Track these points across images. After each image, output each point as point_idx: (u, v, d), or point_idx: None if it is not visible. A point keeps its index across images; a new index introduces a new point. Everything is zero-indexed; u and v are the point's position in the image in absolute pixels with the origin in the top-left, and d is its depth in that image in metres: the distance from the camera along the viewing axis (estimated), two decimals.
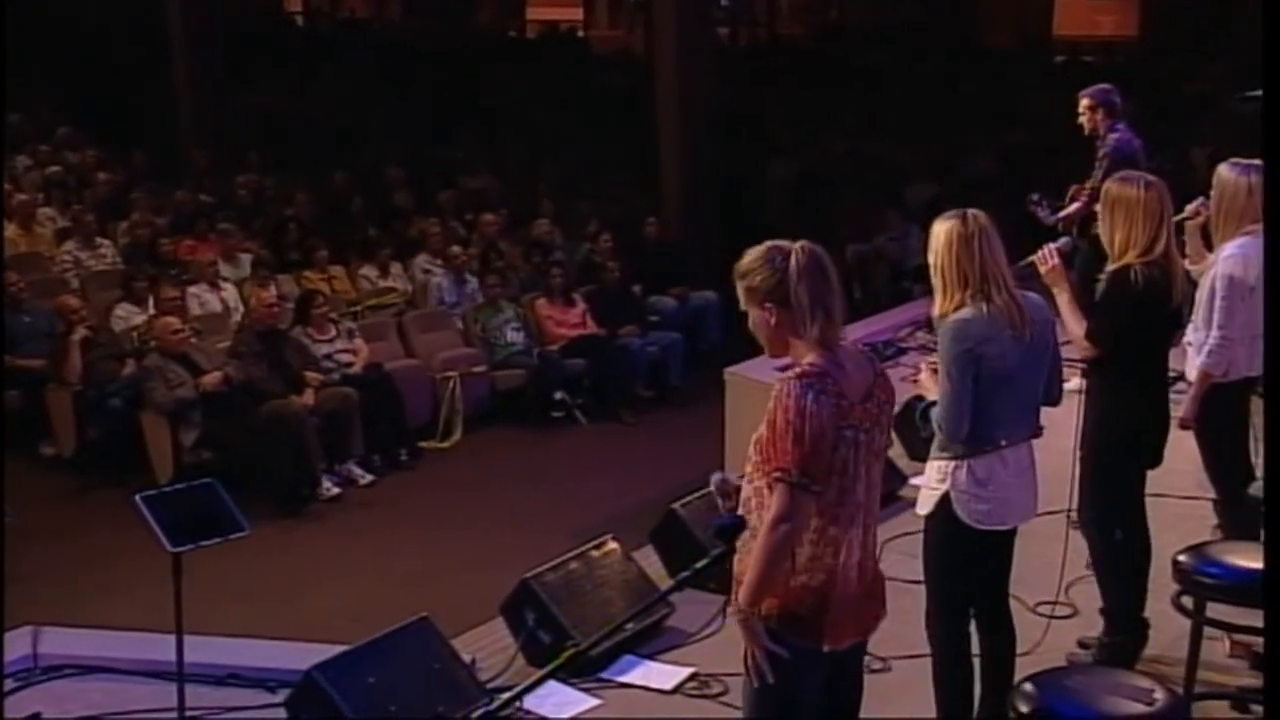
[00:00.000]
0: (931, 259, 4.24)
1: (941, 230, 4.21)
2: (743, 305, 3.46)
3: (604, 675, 5.28)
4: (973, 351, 4.13)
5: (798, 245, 3.38)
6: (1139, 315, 4.77)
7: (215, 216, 12.49)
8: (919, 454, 4.95)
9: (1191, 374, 5.45)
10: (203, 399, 8.91)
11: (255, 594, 7.30)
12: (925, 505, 4.34)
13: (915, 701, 4.62)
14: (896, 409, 4.49)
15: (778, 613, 3.34)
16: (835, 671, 3.51)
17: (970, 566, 4.35)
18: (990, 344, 4.15)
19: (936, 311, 4.28)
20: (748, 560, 3.35)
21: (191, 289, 10.54)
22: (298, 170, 15.07)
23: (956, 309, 4.18)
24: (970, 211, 4.24)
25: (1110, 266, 4.85)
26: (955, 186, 14.12)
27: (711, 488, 3.61)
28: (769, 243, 3.44)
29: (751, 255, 3.42)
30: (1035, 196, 8.23)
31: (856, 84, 19.83)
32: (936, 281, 4.23)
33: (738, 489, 3.55)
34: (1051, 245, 4.89)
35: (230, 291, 10.84)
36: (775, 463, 3.25)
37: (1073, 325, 4.85)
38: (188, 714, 4.82)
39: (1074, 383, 5.20)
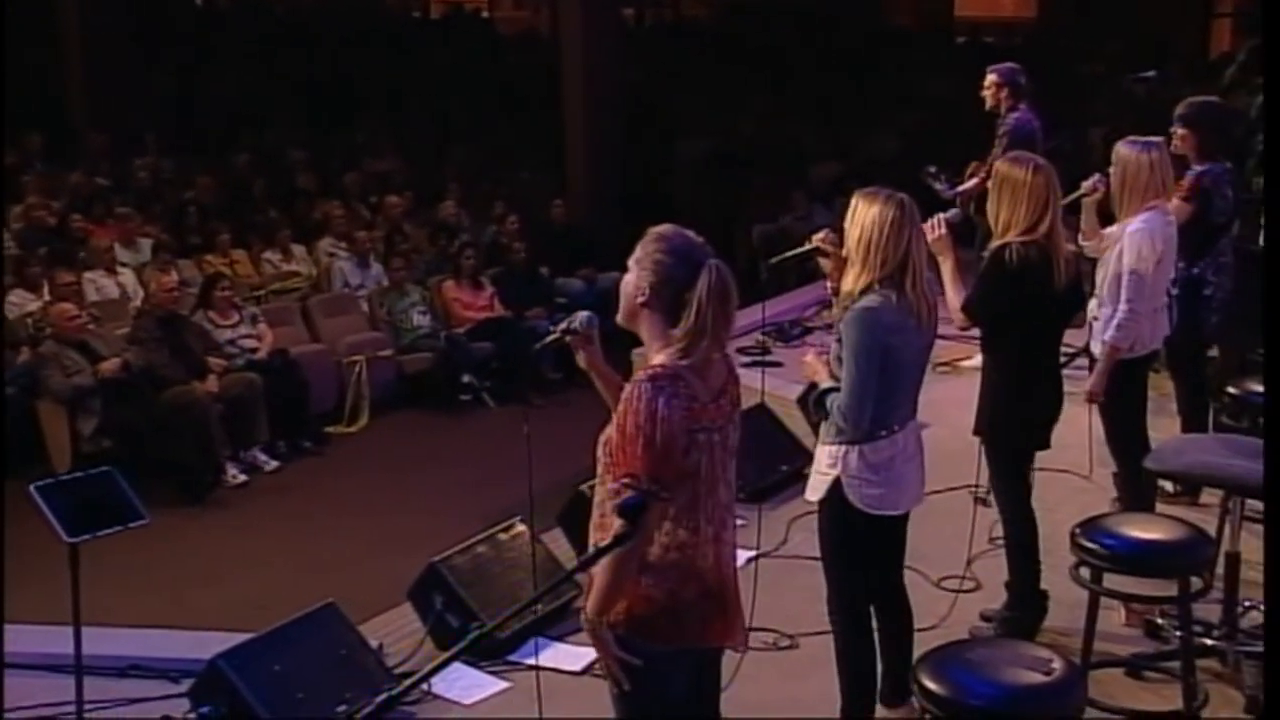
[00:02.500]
0: (855, 233, 4.19)
1: (873, 210, 4.16)
2: (631, 260, 3.32)
3: (512, 658, 5.27)
4: (881, 342, 4.13)
5: (712, 263, 3.23)
6: (1014, 293, 4.80)
7: (112, 200, 12.23)
8: None
9: (1097, 349, 5.55)
10: (101, 386, 8.75)
11: (158, 584, 7.20)
12: (816, 491, 4.32)
13: (822, 677, 4.67)
14: (802, 388, 4.53)
15: (626, 618, 3.23)
16: (699, 669, 3.43)
17: (864, 550, 4.35)
18: (897, 334, 4.16)
19: (846, 286, 4.24)
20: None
21: (88, 274, 10.31)
22: (198, 152, 14.80)
23: (865, 291, 4.17)
24: (903, 196, 4.22)
25: (992, 244, 4.92)
26: (859, 166, 14.26)
27: (577, 324, 3.54)
28: (694, 235, 3.31)
29: (672, 236, 3.28)
30: (932, 169, 8.31)
31: (761, 65, 19.90)
32: (855, 256, 4.19)
33: (589, 338, 3.52)
34: (941, 215, 4.94)
35: (128, 276, 10.62)
36: (624, 469, 3.13)
37: (952, 296, 4.91)
38: (88, 706, 4.74)
39: (975, 360, 5.28)
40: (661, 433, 3.12)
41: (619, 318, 3.39)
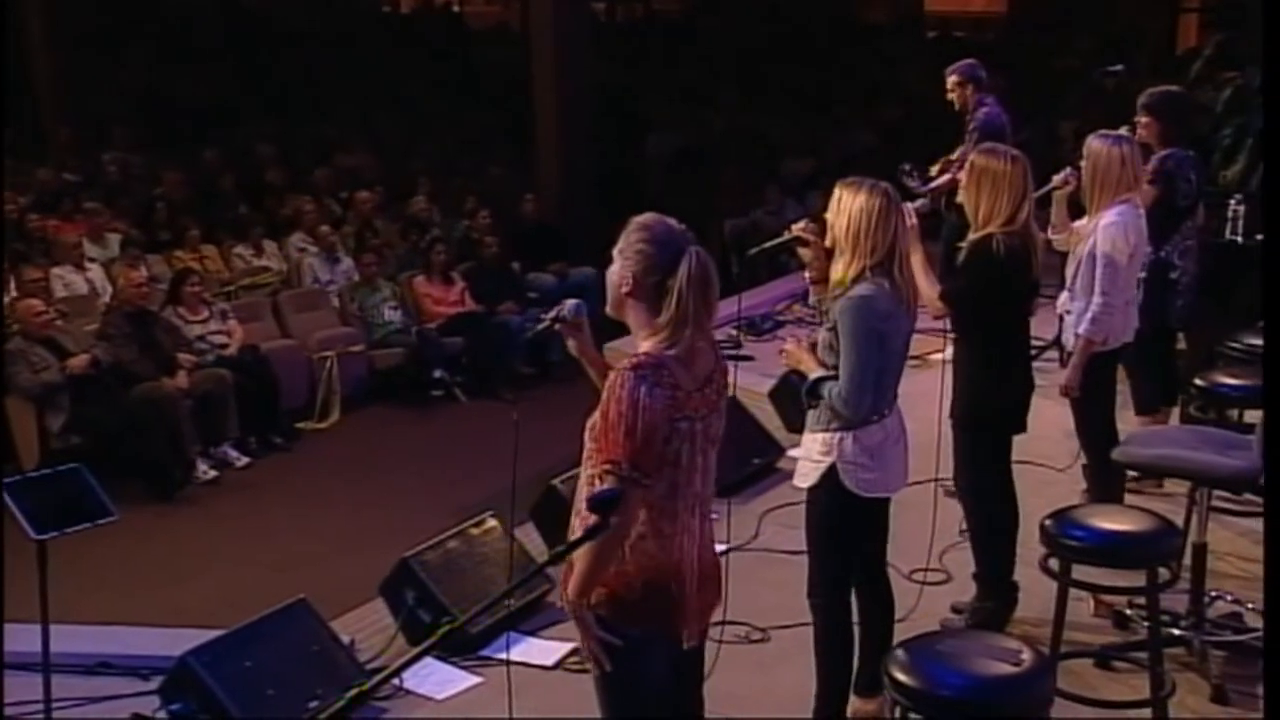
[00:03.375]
0: (843, 222, 4.23)
1: (860, 198, 4.20)
2: (615, 252, 3.35)
3: (485, 653, 5.27)
4: (877, 329, 4.17)
5: (693, 249, 3.26)
6: (999, 283, 4.88)
7: (80, 196, 12.15)
8: (796, 425, 5.00)
9: (1070, 342, 5.57)
10: (70, 383, 8.69)
11: (128, 581, 7.16)
12: (808, 478, 4.35)
13: (794, 670, 4.69)
14: (773, 382, 4.53)
15: (607, 601, 3.28)
16: (678, 658, 3.45)
17: (855, 535, 4.40)
18: (890, 320, 4.21)
19: (836, 275, 4.28)
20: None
21: (55, 270, 10.24)
22: (166, 147, 14.71)
23: (857, 279, 4.21)
24: (886, 185, 4.27)
25: (973, 235, 4.95)
26: (832, 161, 14.29)
27: (566, 313, 3.58)
28: (675, 223, 3.34)
29: (654, 225, 3.31)
30: (906, 167, 8.37)
31: (732, 59, 19.92)
32: (844, 244, 4.23)
33: (578, 325, 3.57)
34: (909, 205, 4.95)
35: (96, 272, 10.55)
36: (606, 455, 3.17)
37: (925, 286, 4.93)
38: (56, 705, 4.70)
39: (945, 353, 5.30)
40: (643, 421, 3.15)
41: (607, 308, 3.42)
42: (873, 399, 4.23)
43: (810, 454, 4.35)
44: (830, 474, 4.29)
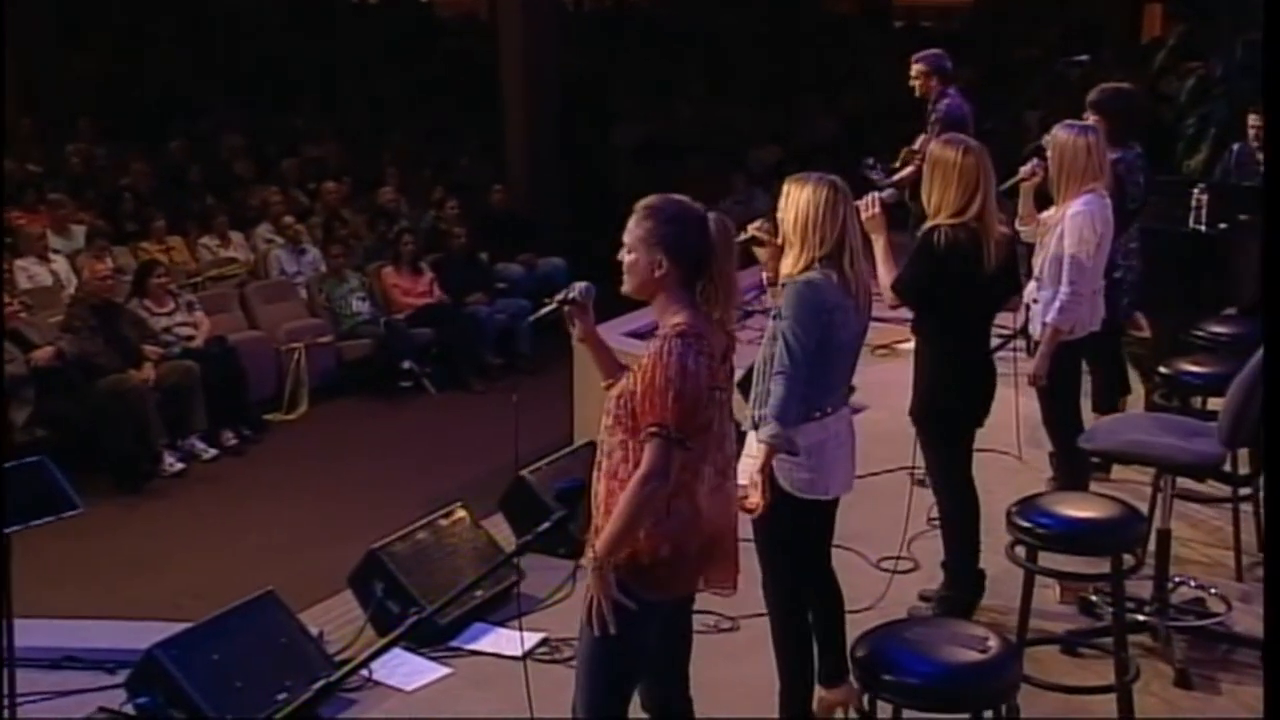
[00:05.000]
0: (790, 216, 4.21)
1: (806, 192, 4.19)
2: (629, 240, 3.42)
3: (454, 643, 5.26)
4: (822, 318, 4.14)
5: (713, 215, 3.43)
6: (942, 275, 4.83)
7: (44, 187, 12.05)
8: None
9: (1036, 331, 5.60)
10: (35, 375, 8.64)
11: (94, 574, 7.13)
12: (746, 475, 4.26)
13: (763, 659, 4.69)
14: (742, 373, 4.51)
15: (628, 564, 3.37)
16: (670, 621, 3.58)
17: (795, 534, 4.35)
18: (837, 312, 4.17)
19: (785, 269, 4.26)
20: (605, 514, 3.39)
21: (19, 262, 10.16)
22: (132, 138, 14.60)
23: (804, 270, 4.18)
24: (834, 178, 4.25)
25: (924, 226, 4.96)
26: (798, 150, 14.33)
27: (575, 294, 3.64)
28: (678, 197, 3.48)
29: (666, 205, 3.43)
30: (869, 161, 8.38)
31: (700, 49, 19.93)
32: (793, 238, 4.21)
33: (585, 308, 3.64)
34: (875, 194, 4.96)
35: (61, 264, 10.47)
36: (652, 418, 3.28)
37: (883, 274, 4.94)
38: (20, 699, 4.67)
39: (912, 343, 5.31)
40: (690, 386, 3.29)
41: (632, 290, 3.48)
42: (810, 394, 4.17)
43: (749, 450, 4.31)
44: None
